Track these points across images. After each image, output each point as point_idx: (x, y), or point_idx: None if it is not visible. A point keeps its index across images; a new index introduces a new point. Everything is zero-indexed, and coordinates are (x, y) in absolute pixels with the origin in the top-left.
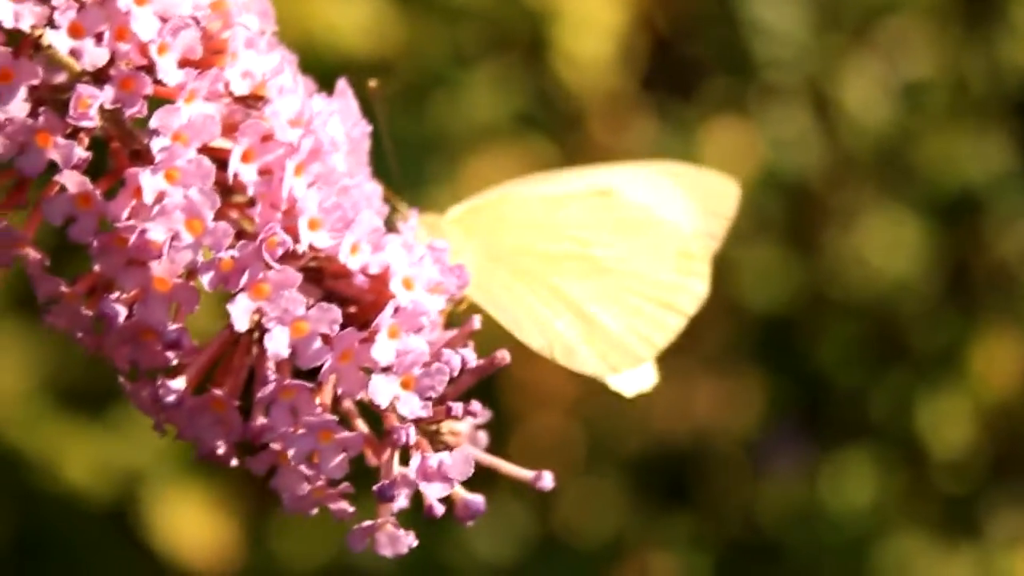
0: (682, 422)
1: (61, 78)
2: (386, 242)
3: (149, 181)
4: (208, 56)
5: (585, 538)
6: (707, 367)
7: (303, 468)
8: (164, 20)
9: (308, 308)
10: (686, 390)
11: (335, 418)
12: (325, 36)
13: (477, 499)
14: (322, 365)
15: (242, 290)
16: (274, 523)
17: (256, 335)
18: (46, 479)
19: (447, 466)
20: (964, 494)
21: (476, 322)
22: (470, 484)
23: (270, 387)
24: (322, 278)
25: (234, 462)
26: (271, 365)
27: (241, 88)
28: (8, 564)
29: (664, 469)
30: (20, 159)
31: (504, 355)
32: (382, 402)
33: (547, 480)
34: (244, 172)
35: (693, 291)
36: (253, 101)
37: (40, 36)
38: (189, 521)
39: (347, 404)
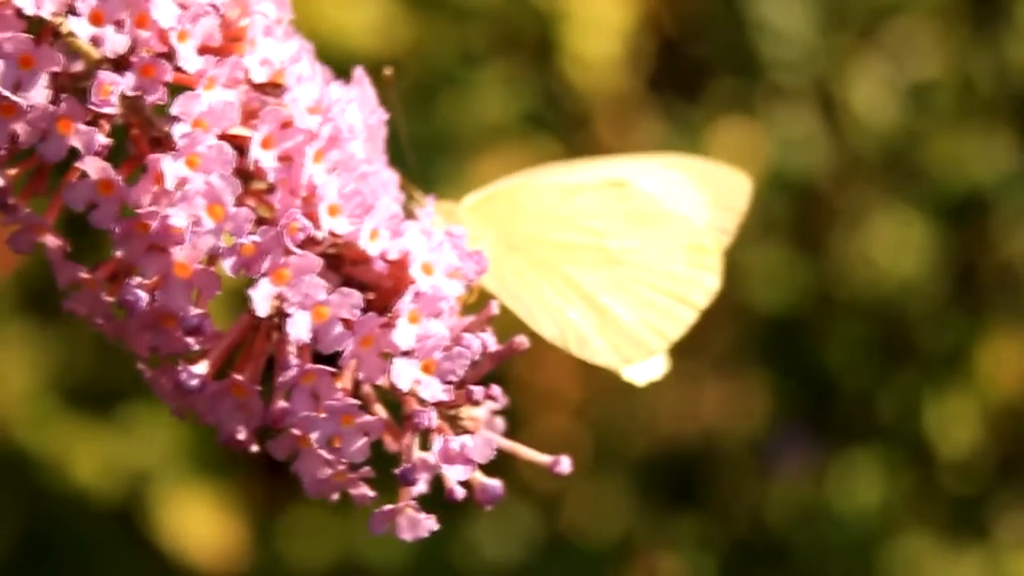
0: (689, 423)
1: (80, 66)
2: (405, 228)
3: (171, 167)
4: (227, 44)
5: (592, 539)
6: (714, 368)
7: (324, 452)
8: (184, 8)
9: (329, 293)
10: (693, 391)
11: (357, 402)
12: (334, 36)
13: (495, 484)
14: (343, 350)
15: (264, 275)
16: (281, 523)
17: (276, 320)
18: (54, 479)
19: (469, 449)
20: (971, 495)
21: (495, 307)
22: (485, 471)
23: (291, 372)
24: (341, 264)
25: (254, 447)
26: (292, 350)
27: (260, 76)
28: (16, 564)
29: (671, 470)
30: (42, 145)
31: (523, 340)
32: (403, 386)
33: (565, 465)
34: (264, 159)
35: (705, 284)
36: (272, 89)
37: (61, 23)
38: (196, 521)
39: (366, 389)
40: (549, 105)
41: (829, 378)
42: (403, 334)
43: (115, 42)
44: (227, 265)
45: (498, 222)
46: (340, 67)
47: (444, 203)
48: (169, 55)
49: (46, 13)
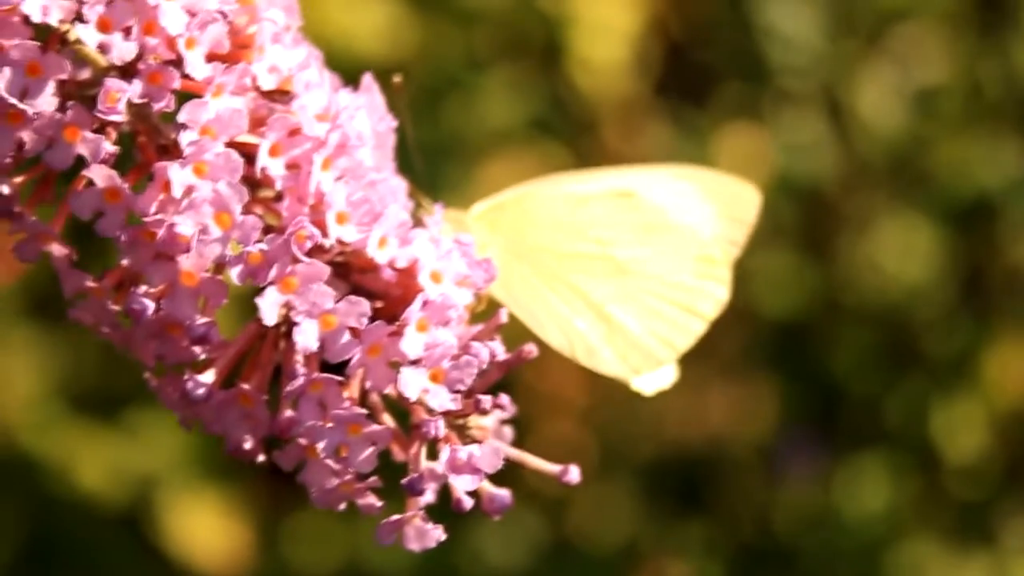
0: (696, 428)
1: (88, 73)
2: (413, 236)
3: (178, 175)
4: (235, 51)
5: (598, 544)
6: (721, 373)
7: (331, 462)
8: (192, 15)
9: (336, 302)
10: (700, 396)
11: (364, 411)
12: (340, 40)
13: (504, 493)
14: (350, 359)
15: (271, 284)
16: (287, 528)
17: (284, 329)
18: (60, 484)
19: (476, 458)
20: (978, 500)
21: (503, 316)
22: (493, 481)
23: (299, 381)
24: (349, 273)
25: (261, 457)
26: (299, 359)
27: (268, 83)
28: (22, 569)
29: (678, 475)
30: (48, 153)
31: (531, 348)
32: (411, 395)
33: (574, 474)
34: (272, 166)
35: (714, 296)
36: (280, 96)
37: (68, 30)
38: (202, 526)
39: (373, 398)
40: (556, 110)
41: (836, 383)
42: (411, 343)
43: (123, 49)
44: (234, 273)
45: (506, 231)
46: (346, 71)
47: (452, 211)
48: (177, 62)
49: (53, 20)
